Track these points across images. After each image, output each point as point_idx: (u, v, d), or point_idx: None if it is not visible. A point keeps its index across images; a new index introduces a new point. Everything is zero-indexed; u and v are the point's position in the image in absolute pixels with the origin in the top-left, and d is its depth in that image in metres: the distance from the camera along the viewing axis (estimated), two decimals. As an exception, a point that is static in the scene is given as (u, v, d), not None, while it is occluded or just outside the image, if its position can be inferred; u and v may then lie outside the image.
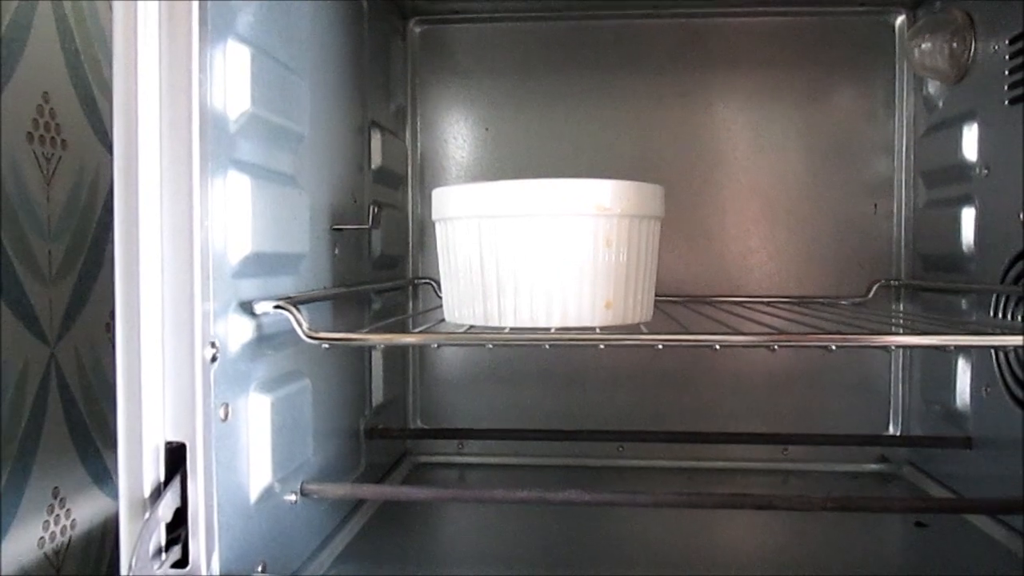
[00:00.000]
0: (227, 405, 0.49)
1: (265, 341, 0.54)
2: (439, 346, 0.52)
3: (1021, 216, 0.67)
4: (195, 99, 0.45)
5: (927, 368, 0.87)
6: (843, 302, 0.89)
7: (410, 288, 0.93)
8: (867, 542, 0.70)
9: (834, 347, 0.46)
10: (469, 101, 0.95)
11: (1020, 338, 0.50)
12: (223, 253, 0.49)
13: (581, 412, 0.93)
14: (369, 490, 0.65)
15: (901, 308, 0.90)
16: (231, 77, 0.49)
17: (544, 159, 0.93)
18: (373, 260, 0.80)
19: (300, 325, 0.49)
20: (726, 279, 0.92)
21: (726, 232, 0.92)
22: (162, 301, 0.45)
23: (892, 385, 0.91)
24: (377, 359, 0.81)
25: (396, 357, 0.89)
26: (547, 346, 0.50)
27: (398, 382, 0.91)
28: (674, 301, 0.86)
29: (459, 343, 0.59)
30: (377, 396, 0.81)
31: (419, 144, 0.95)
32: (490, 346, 0.56)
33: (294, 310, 0.49)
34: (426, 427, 0.96)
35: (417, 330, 0.55)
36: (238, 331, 0.50)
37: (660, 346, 0.49)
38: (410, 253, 0.94)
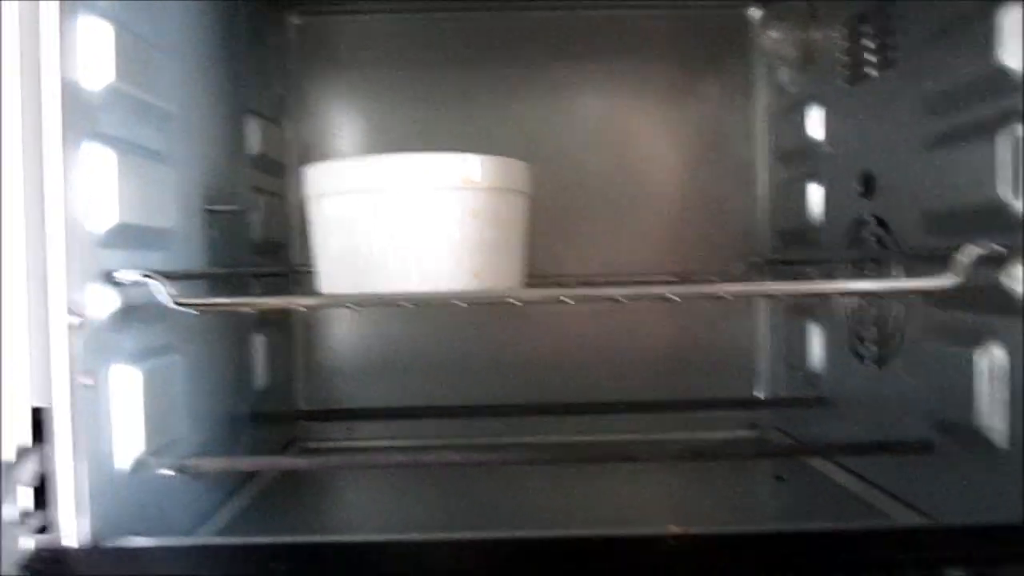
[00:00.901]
0: (92, 373, 0.49)
1: (133, 312, 0.54)
2: (307, 309, 0.53)
3: (856, 187, 0.73)
4: (55, 71, 0.46)
5: (787, 334, 0.93)
6: (713, 279, 0.94)
7: (292, 276, 0.93)
8: (730, 495, 0.75)
9: (673, 296, 0.50)
10: (351, 92, 0.96)
11: (951, 278, 0.51)
12: (86, 223, 0.49)
13: (470, 395, 0.95)
14: (244, 462, 0.66)
15: (766, 283, 0.96)
16: (93, 51, 0.50)
17: (425, 147, 0.94)
18: (254, 245, 0.81)
19: (165, 292, 0.50)
20: (602, 262, 0.96)
21: (601, 216, 0.96)
22: (26, 269, 0.46)
23: (757, 354, 0.97)
24: (259, 342, 0.82)
25: (280, 340, 0.90)
26: (410, 305, 0.53)
27: (283, 367, 0.92)
28: (551, 282, 0.89)
29: (322, 305, 0.61)
30: (260, 380, 0.82)
31: (302, 133, 0.96)
32: (350, 306, 0.58)
33: (160, 278, 0.50)
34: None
35: (282, 298, 0.57)
36: (103, 301, 0.51)
37: (520, 303, 0.52)
38: (295, 241, 0.94)
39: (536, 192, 0.66)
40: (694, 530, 0.47)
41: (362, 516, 0.76)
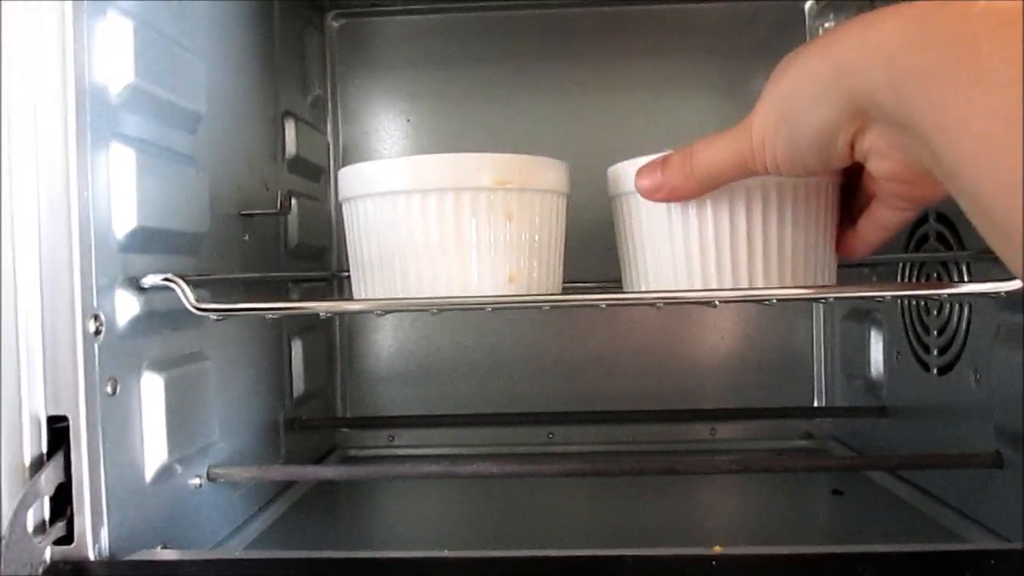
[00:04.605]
0: (115, 380, 0.48)
1: (159, 318, 0.53)
2: (326, 315, 0.52)
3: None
4: (70, 70, 0.45)
5: (845, 341, 0.88)
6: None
7: (335, 281, 0.92)
8: (785, 510, 0.71)
9: (717, 303, 0.47)
10: (390, 93, 0.95)
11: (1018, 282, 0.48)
12: (108, 226, 0.48)
13: (513, 403, 0.93)
14: (277, 471, 0.64)
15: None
16: (112, 49, 0.49)
17: (466, 148, 0.93)
18: (290, 250, 0.80)
19: (187, 296, 0.48)
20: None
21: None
22: (40, 274, 0.45)
23: (815, 362, 0.93)
24: (297, 348, 0.80)
25: (319, 347, 0.89)
26: (433, 312, 0.51)
27: (323, 374, 0.90)
28: (592, 287, 0.86)
29: (344, 311, 0.59)
30: (298, 387, 0.81)
31: (341, 136, 0.95)
32: (379, 313, 0.56)
33: (182, 282, 0.48)
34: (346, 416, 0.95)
35: (306, 302, 0.55)
36: (126, 306, 0.50)
37: (546, 308, 0.49)
38: (334, 246, 0.93)
39: (577, 193, 0.63)
40: (737, 550, 0.44)
41: (401, 527, 0.74)
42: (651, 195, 0.49)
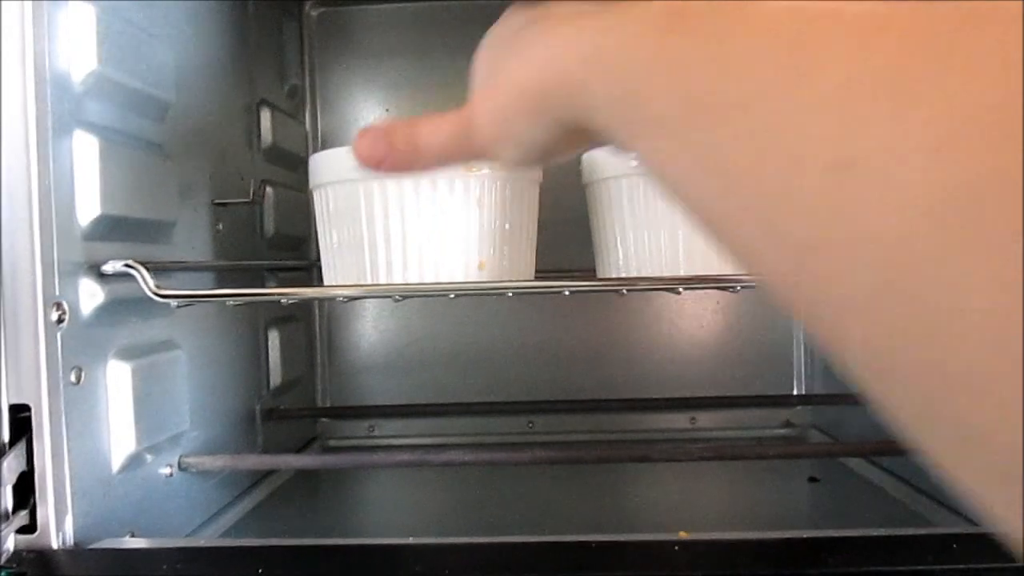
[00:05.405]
0: (80, 369, 0.48)
1: (125, 307, 0.53)
2: (287, 301, 0.51)
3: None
4: (30, 56, 0.45)
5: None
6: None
7: (314, 270, 0.91)
8: (760, 497, 0.71)
9: (681, 290, 0.47)
10: (369, 82, 0.95)
11: None
12: (71, 213, 0.48)
13: (493, 392, 0.93)
14: (248, 460, 0.64)
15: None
16: (75, 35, 0.48)
17: (445, 138, 0.93)
18: (267, 240, 0.79)
19: (147, 282, 0.48)
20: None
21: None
22: None
23: (795, 350, 0.93)
24: (274, 338, 0.80)
25: (298, 337, 0.89)
26: (397, 298, 0.50)
27: (302, 364, 0.90)
28: (567, 276, 0.86)
29: (306, 297, 0.59)
30: (275, 377, 0.81)
31: (319, 125, 0.95)
32: (342, 299, 0.56)
33: (142, 268, 0.48)
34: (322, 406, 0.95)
35: (273, 288, 0.55)
36: (91, 294, 0.49)
37: (510, 294, 0.49)
38: (313, 235, 0.93)
39: (557, 184, 0.63)
40: (701, 536, 0.44)
41: (379, 517, 0.74)
42: (371, 163, 0.39)
